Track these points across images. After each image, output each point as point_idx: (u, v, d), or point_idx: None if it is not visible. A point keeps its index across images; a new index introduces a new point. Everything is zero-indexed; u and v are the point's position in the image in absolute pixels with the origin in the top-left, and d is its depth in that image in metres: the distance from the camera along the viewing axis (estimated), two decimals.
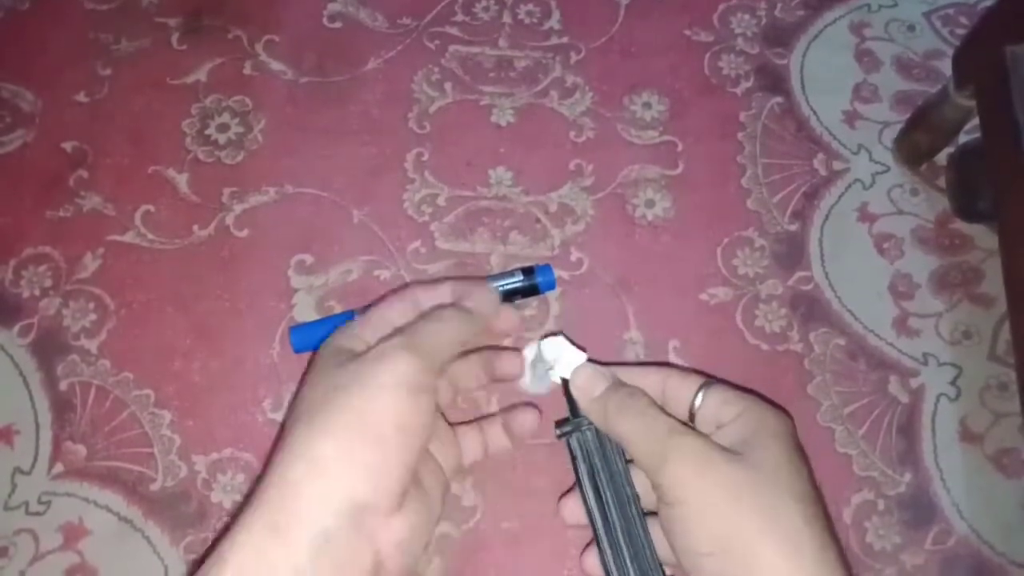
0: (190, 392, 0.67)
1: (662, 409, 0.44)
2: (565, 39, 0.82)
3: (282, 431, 0.38)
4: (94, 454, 0.65)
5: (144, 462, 0.65)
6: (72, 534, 0.62)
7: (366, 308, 0.66)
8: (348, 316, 0.66)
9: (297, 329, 0.66)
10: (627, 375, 0.49)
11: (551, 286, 0.66)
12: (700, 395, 0.45)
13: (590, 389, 0.47)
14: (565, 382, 0.51)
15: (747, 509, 0.35)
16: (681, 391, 0.46)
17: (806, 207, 0.74)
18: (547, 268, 0.66)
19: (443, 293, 0.49)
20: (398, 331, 0.41)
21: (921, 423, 0.66)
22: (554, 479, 0.61)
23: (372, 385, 0.34)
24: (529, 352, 0.54)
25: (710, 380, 0.47)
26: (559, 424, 0.49)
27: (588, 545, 0.48)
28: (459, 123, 0.78)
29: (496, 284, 0.65)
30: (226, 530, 0.32)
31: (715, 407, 0.44)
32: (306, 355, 0.67)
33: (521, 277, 0.65)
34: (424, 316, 0.44)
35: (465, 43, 0.82)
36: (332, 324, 0.65)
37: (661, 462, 0.38)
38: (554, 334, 0.54)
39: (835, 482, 0.64)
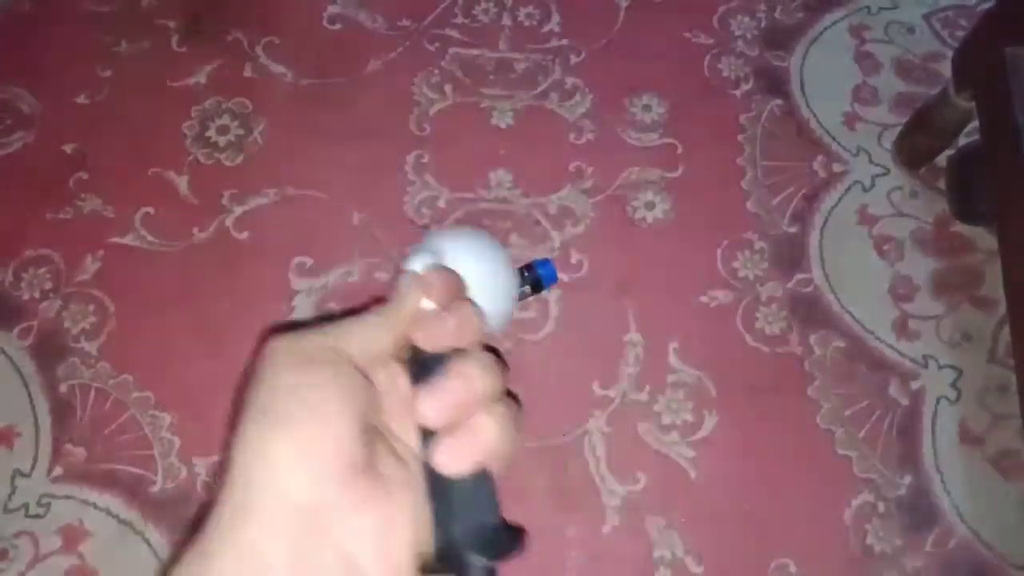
0: (190, 394, 0.67)
1: None
2: (565, 41, 0.83)
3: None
4: (94, 456, 0.65)
5: (144, 464, 0.65)
6: (72, 536, 0.62)
7: None
8: None
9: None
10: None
11: (553, 278, 0.66)
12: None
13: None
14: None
15: None
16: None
17: (806, 209, 0.74)
18: (546, 262, 0.66)
19: None
20: None
21: (921, 425, 0.66)
22: (552, 480, 0.61)
23: (256, 379, 0.29)
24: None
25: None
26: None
27: None
28: (459, 125, 0.78)
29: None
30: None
31: None
32: None
33: (522, 276, 0.65)
34: None
35: (465, 45, 0.82)
36: None
37: None
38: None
39: (835, 484, 0.64)
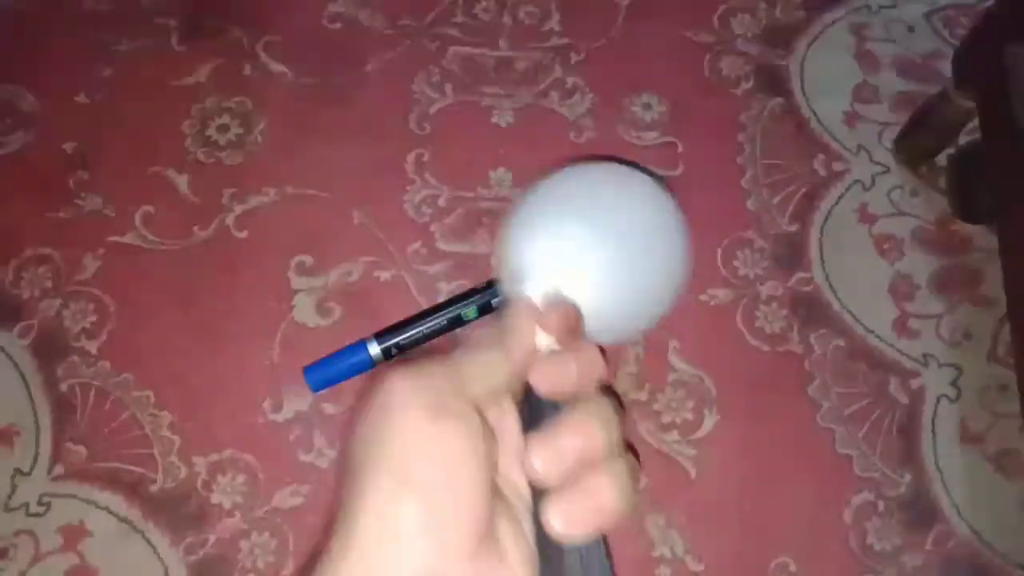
0: (190, 393, 0.67)
1: None
2: (565, 40, 0.82)
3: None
4: (94, 455, 0.65)
5: (144, 463, 0.65)
6: (72, 535, 0.62)
7: (380, 334, 0.66)
8: (361, 346, 0.65)
9: (311, 369, 0.65)
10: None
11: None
12: None
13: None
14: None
15: None
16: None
17: (806, 208, 0.74)
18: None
19: None
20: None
21: (921, 424, 0.66)
22: None
23: (380, 423, 0.27)
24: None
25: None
26: None
27: None
28: (459, 124, 0.78)
29: (468, 303, 0.65)
30: None
31: None
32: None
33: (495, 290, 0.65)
34: None
35: (465, 44, 0.82)
36: (345, 358, 0.65)
37: None
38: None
39: (835, 483, 0.64)
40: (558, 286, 0.33)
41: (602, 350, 0.32)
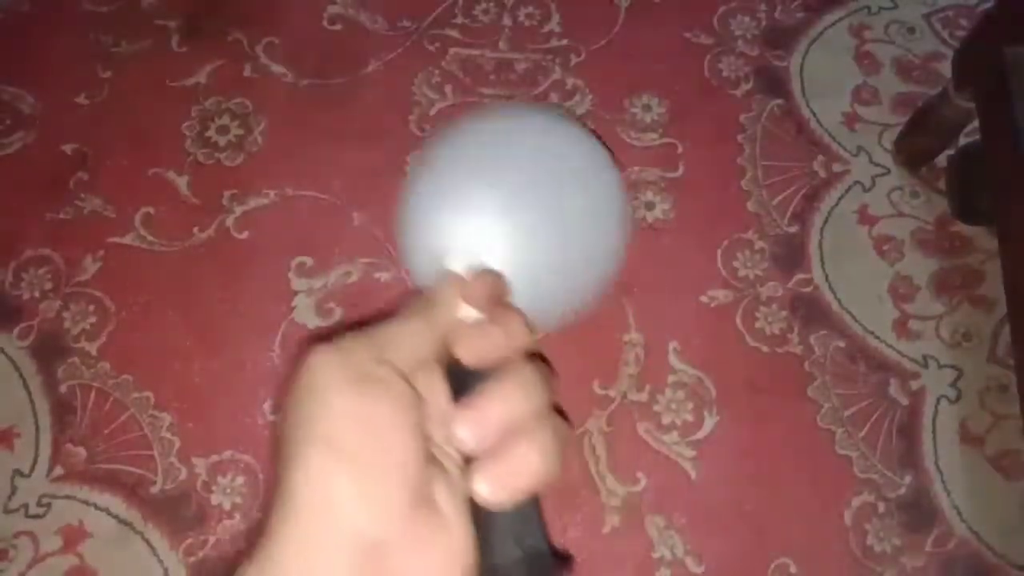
0: (190, 394, 0.67)
1: None
2: (565, 41, 0.83)
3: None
4: (94, 456, 0.65)
5: (144, 464, 0.65)
6: (72, 537, 0.62)
7: None
8: None
9: None
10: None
11: None
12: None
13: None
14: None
15: None
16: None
17: (806, 209, 0.74)
18: None
19: None
20: None
21: (921, 425, 0.66)
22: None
23: (305, 396, 0.27)
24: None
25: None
26: None
27: None
28: None
29: None
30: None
31: None
32: None
33: None
34: None
35: (465, 45, 0.82)
36: None
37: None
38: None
39: (835, 484, 0.64)
40: (479, 256, 0.33)
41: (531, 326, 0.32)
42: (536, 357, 0.31)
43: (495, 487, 0.27)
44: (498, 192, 0.34)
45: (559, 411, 0.29)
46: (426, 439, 0.27)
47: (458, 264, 0.33)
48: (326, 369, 0.27)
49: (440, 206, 0.34)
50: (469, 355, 0.30)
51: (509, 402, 0.28)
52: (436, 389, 0.30)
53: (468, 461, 0.27)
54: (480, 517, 0.27)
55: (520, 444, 0.27)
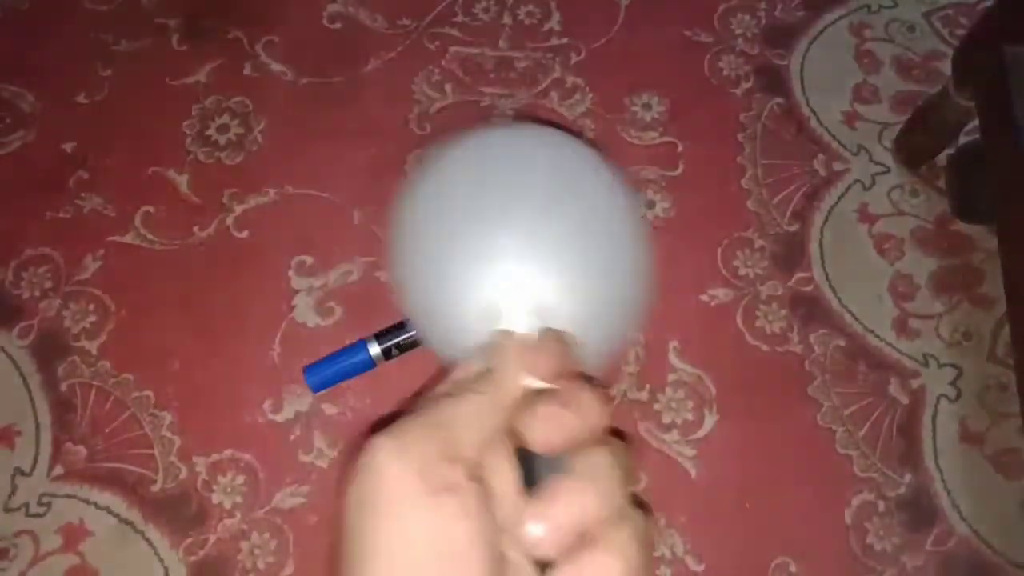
0: (190, 393, 0.67)
1: None
2: (565, 40, 0.82)
3: None
4: (94, 455, 0.65)
5: (144, 463, 0.65)
6: (72, 536, 0.62)
7: (380, 334, 0.66)
8: (361, 346, 0.65)
9: (311, 369, 0.65)
10: None
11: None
12: None
13: None
14: None
15: None
16: None
17: (806, 208, 0.74)
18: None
19: None
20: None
21: (921, 424, 0.66)
22: None
23: (372, 501, 0.24)
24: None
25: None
26: None
27: None
28: (460, 124, 0.78)
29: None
30: None
31: None
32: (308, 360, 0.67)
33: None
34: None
35: (465, 44, 0.82)
36: (345, 358, 0.65)
37: None
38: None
39: (835, 483, 0.64)
40: (539, 312, 0.28)
41: (607, 395, 0.28)
42: (615, 436, 0.27)
43: None
44: (551, 228, 0.29)
45: (639, 502, 0.26)
46: (499, 541, 0.24)
47: (518, 324, 0.28)
48: (393, 472, 0.24)
49: (484, 253, 0.29)
50: (540, 443, 0.26)
51: (583, 501, 0.25)
52: (506, 478, 0.27)
53: (540, 565, 0.24)
54: None
55: (596, 551, 0.24)
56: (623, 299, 0.32)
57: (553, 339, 0.29)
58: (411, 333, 0.65)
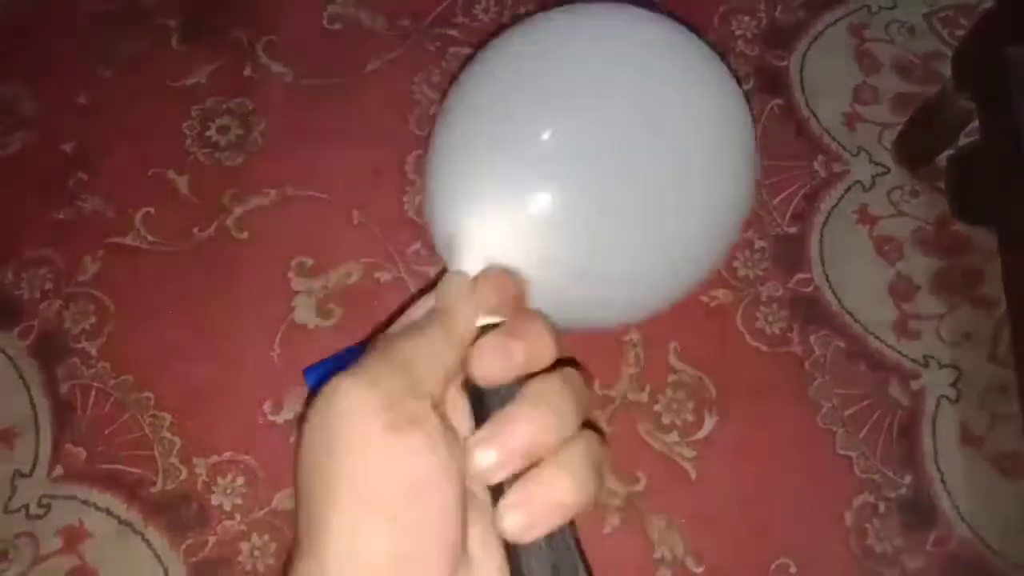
0: (190, 394, 0.67)
1: None
2: None
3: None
4: (94, 457, 0.65)
5: (144, 465, 0.65)
6: (72, 537, 0.62)
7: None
8: (362, 350, 0.65)
9: (311, 370, 0.65)
10: None
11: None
12: None
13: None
14: None
15: None
16: None
17: (806, 209, 0.74)
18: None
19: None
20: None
21: (921, 425, 0.66)
22: None
23: (334, 439, 0.24)
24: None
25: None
26: None
27: None
28: None
29: None
30: None
31: None
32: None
33: None
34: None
35: (465, 45, 0.82)
36: (346, 360, 0.65)
37: None
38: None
39: (835, 485, 0.64)
40: (494, 250, 0.27)
41: (557, 331, 0.26)
42: (566, 364, 0.27)
43: (522, 525, 0.24)
44: (547, 143, 0.26)
45: (593, 425, 0.26)
46: (464, 475, 0.24)
47: (471, 263, 0.28)
48: (355, 405, 0.24)
49: (457, 170, 0.28)
50: (486, 375, 0.26)
51: (532, 424, 0.24)
52: (460, 415, 0.27)
53: (495, 491, 0.24)
54: (512, 550, 0.25)
55: (547, 471, 0.24)
56: (646, 254, 0.28)
57: (499, 274, 0.28)
58: None
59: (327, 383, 0.25)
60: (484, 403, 0.26)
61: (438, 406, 0.25)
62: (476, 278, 0.28)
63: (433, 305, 0.28)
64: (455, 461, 0.24)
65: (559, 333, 0.26)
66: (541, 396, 0.25)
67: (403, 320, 0.29)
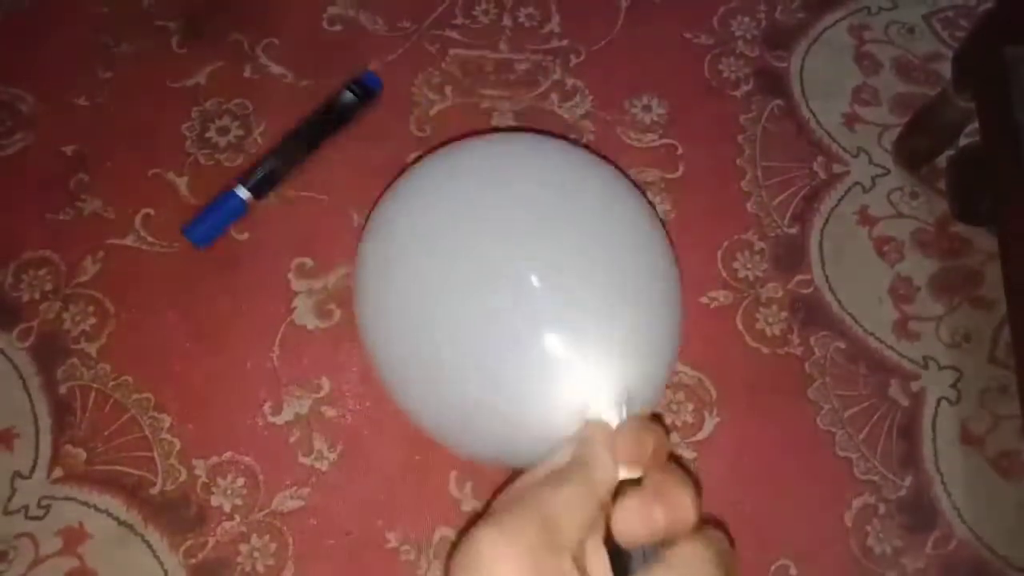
0: (190, 396, 0.67)
1: None
2: (565, 42, 0.82)
3: None
4: (94, 458, 0.65)
5: (144, 466, 0.65)
6: (72, 538, 0.62)
7: (245, 176, 0.71)
8: (231, 194, 0.71)
9: (190, 228, 0.71)
10: None
11: (378, 85, 0.77)
12: None
13: None
14: None
15: None
16: None
17: (806, 210, 0.74)
18: (369, 74, 0.76)
19: None
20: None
21: (921, 426, 0.66)
22: None
23: None
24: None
25: None
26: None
27: None
28: (459, 126, 0.78)
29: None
30: None
31: None
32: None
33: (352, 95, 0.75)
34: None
35: (465, 46, 0.82)
36: (218, 208, 0.71)
37: None
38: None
39: (835, 486, 0.64)
40: (625, 398, 0.28)
41: (698, 485, 0.27)
42: (709, 525, 0.27)
43: None
44: (621, 308, 0.29)
45: None
46: None
47: (609, 407, 0.28)
48: (499, 560, 0.24)
49: (572, 341, 0.29)
50: (625, 536, 0.26)
51: None
52: (600, 569, 0.27)
53: None
54: None
55: None
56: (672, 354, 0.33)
57: (639, 427, 0.28)
58: (273, 163, 0.73)
59: (470, 533, 0.25)
60: (625, 563, 0.26)
61: (578, 560, 0.25)
62: (616, 431, 0.28)
63: (573, 453, 0.28)
64: None
65: (698, 493, 0.27)
66: (685, 566, 0.25)
67: (544, 466, 0.29)
